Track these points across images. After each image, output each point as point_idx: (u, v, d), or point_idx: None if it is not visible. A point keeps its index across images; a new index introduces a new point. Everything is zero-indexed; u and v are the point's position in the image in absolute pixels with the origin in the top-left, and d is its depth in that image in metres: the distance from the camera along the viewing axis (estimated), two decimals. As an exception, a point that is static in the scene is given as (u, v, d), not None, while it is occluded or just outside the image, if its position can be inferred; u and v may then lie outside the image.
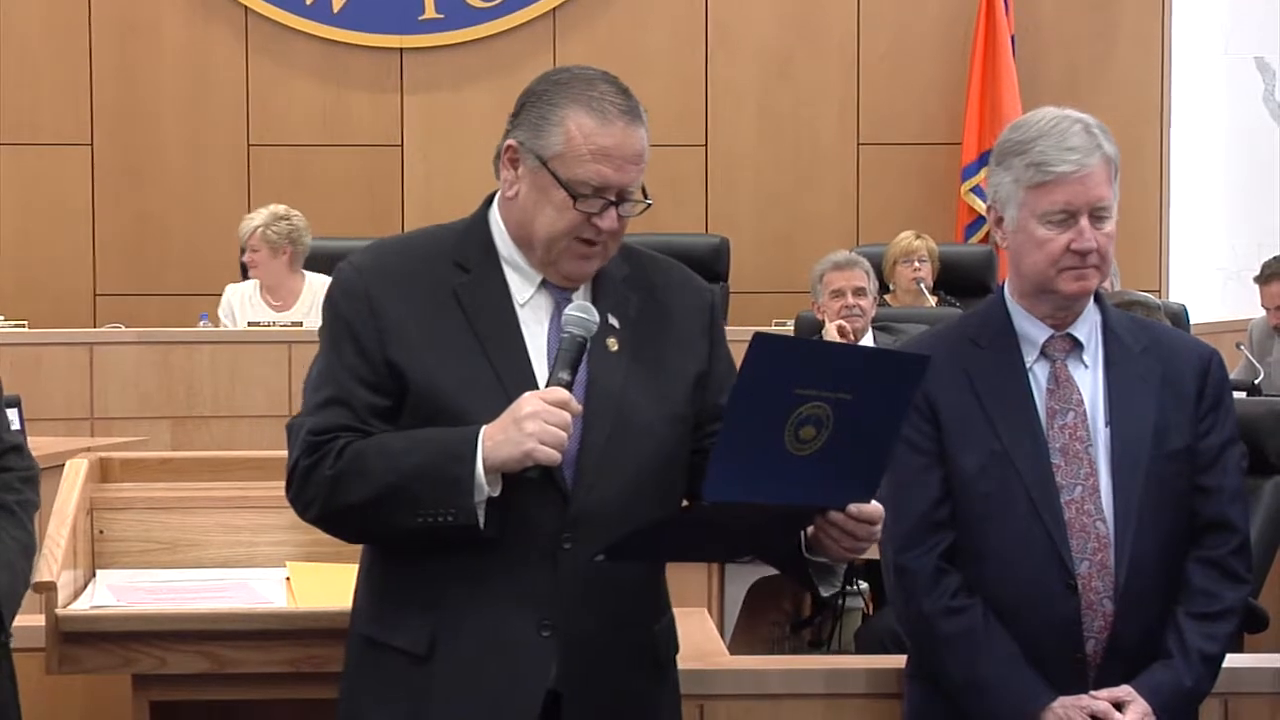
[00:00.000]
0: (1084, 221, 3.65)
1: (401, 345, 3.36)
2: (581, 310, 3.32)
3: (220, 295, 10.64)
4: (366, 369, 3.37)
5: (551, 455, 3.23)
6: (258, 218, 9.98)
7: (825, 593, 3.38)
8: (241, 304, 10.10)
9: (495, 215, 3.50)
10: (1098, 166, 3.66)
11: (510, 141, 3.43)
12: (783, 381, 3.09)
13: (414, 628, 3.39)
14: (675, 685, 3.64)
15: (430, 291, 3.42)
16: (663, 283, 3.59)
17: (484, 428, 3.27)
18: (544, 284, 3.46)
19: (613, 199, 3.36)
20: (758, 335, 3.07)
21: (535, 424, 3.21)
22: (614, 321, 3.45)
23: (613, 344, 3.42)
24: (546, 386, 3.28)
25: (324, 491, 3.34)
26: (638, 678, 3.53)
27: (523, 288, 3.46)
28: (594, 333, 3.32)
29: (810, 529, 3.32)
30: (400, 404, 3.38)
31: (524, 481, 3.26)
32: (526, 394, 3.26)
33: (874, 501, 3.26)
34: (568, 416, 3.24)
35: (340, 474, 3.31)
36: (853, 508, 3.23)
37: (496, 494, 3.27)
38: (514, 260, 3.46)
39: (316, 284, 9.92)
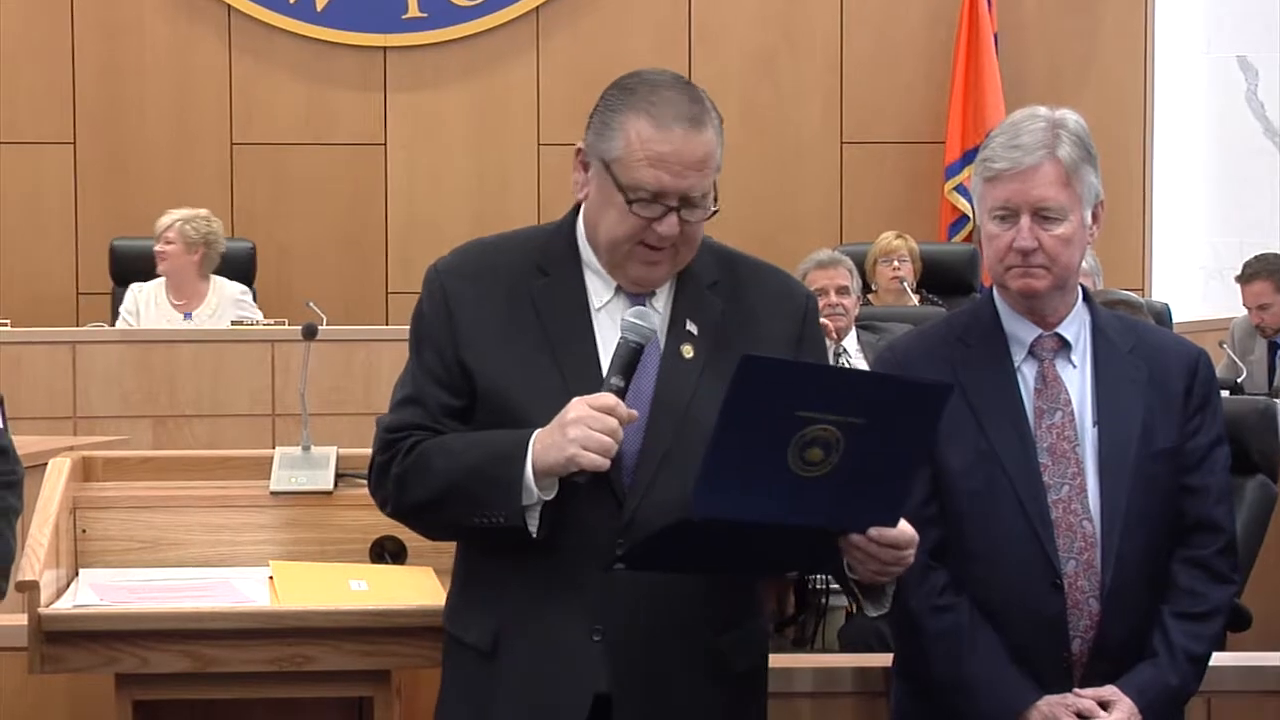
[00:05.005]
0: (1024, 220, 3.64)
1: (474, 346, 3.38)
2: (638, 316, 3.29)
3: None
4: (441, 369, 3.40)
5: (596, 461, 3.20)
6: (179, 213, 10.05)
7: (873, 613, 3.35)
8: (147, 303, 10.14)
9: (581, 219, 3.50)
10: (1043, 166, 3.64)
11: (581, 143, 3.44)
12: (780, 403, 3.05)
13: (482, 625, 3.43)
14: (754, 696, 3.62)
15: (508, 293, 3.42)
16: (755, 289, 3.56)
17: (537, 431, 3.26)
18: (620, 288, 3.45)
19: (674, 205, 3.34)
20: (745, 358, 3.04)
21: (579, 430, 3.19)
22: (692, 328, 3.44)
23: (688, 351, 3.41)
24: (600, 392, 3.27)
25: (393, 488, 3.39)
26: (699, 686, 3.47)
27: (601, 292, 3.45)
28: (650, 339, 3.30)
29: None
30: (473, 404, 3.39)
31: (579, 487, 3.25)
32: (574, 399, 3.25)
33: (904, 524, 3.22)
34: (614, 423, 3.21)
35: (406, 472, 3.35)
36: (874, 531, 3.19)
37: (550, 498, 3.26)
38: (593, 264, 3.46)
39: (223, 289, 9.98)
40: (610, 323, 3.41)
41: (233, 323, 10.07)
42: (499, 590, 3.40)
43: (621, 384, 3.26)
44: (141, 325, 10.06)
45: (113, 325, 10.39)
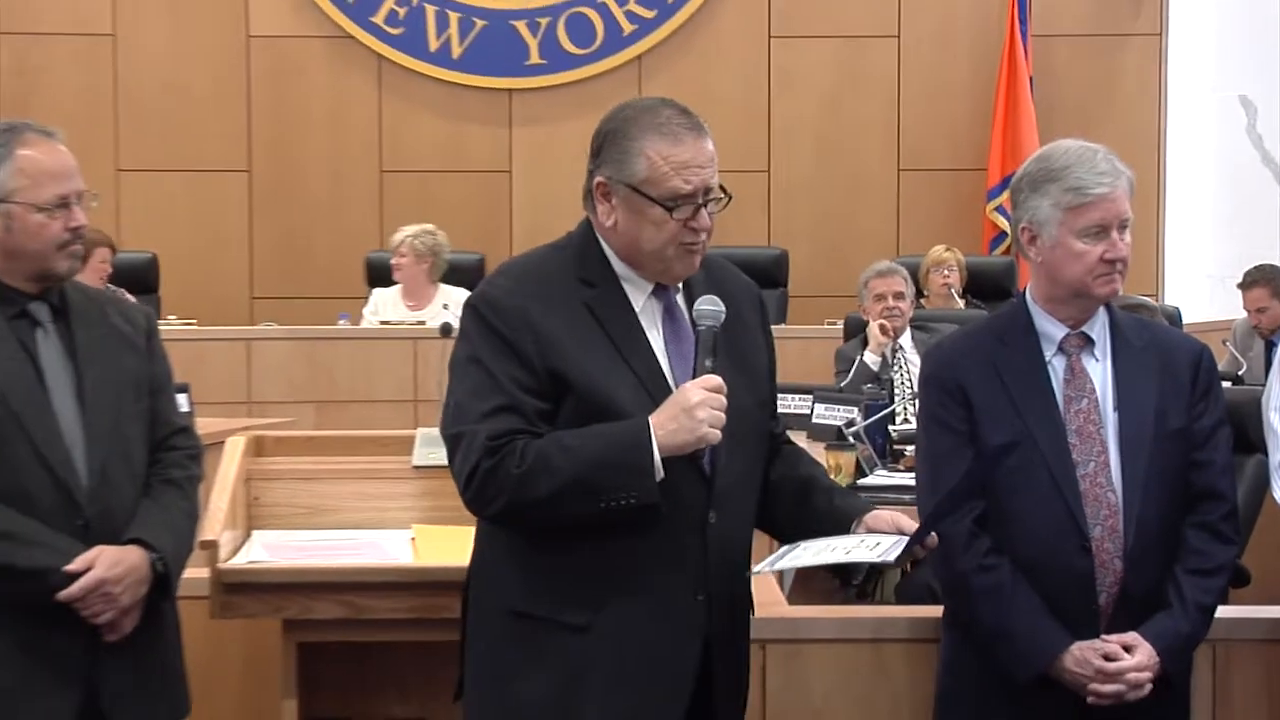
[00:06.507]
0: (1115, 234, 3.63)
1: (559, 354, 3.28)
2: (710, 303, 3.30)
3: (355, 299, 10.74)
4: (530, 378, 3.27)
5: (718, 436, 3.22)
6: (410, 229, 10.03)
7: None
8: (385, 305, 10.17)
9: (600, 237, 3.44)
10: (1121, 186, 3.65)
11: (599, 179, 3.37)
12: None
13: (575, 602, 3.30)
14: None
15: (563, 304, 3.34)
16: (726, 281, 3.53)
17: (650, 418, 3.22)
18: (652, 291, 3.41)
19: (702, 201, 3.31)
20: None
21: (705, 411, 3.18)
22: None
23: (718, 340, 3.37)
24: (695, 376, 3.26)
25: (511, 487, 3.22)
26: (747, 626, 3.56)
27: (636, 296, 3.40)
28: (721, 320, 3.30)
29: None
30: (558, 406, 3.30)
31: (671, 465, 3.22)
32: (687, 385, 3.23)
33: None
34: (724, 400, 3.22)
35: (528, 472, 3.21)
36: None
37: (663, 476, 3.22)
38: (626, 275, 3.40)
39: (449, 294, 9.97)
40: (650, 322, 3.39)
41: (381, 322, 10.13)
42: (597, 567, 3.30)
43: (713, 365, 3.26)
44: (388, 323, 10.11)
45: (356, 324, 10.43)
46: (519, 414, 3.26)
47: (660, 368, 3.34)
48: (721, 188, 3.37)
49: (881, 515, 3.39)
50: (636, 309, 3.39)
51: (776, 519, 3.58)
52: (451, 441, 3.32)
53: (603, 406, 3.27)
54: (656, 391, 3.28)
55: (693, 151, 3.31)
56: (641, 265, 3.38)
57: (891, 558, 3.21)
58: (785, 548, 3.45)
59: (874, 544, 3.28)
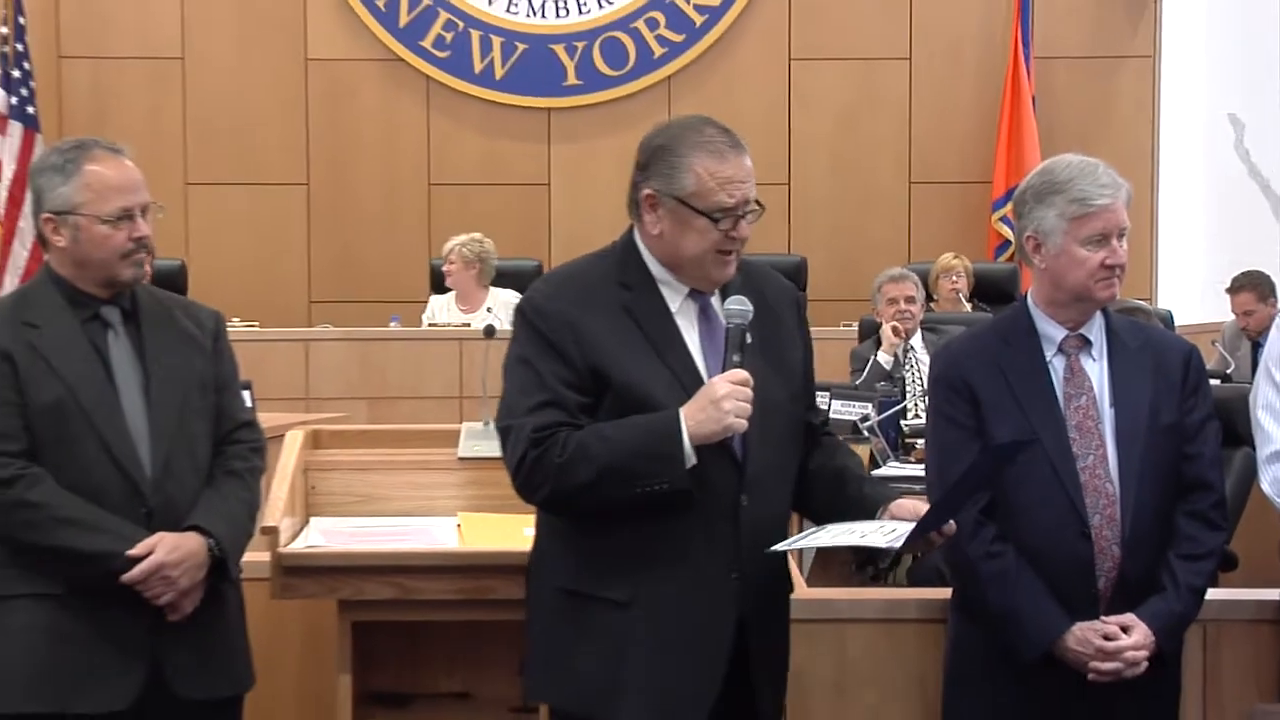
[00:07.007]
0: (1115, 242, 3.64)
1: (601, 353, 3.32)
2: (739, 303, 3.32)
3: (405, 302, 10.79)
4: (573, 375, 3.31)
5: (744, 425, 3.25)
6: (458, 239, 10.03)
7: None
8: (440, 309, 10.19)
9: (640, 244, 3.46)
10: (1122, 199, 3.65)
11: (647, 191, 3.39)
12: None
13: (619, 580, 3.33)
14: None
15: (605, 307, 3.37)
16: (765, 286, 3.55)
17: (681, 410, 3.25)
18: (688, 294, 3.43)
19: (743, 213, 3.35)
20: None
21: (731, 403, 3.22)
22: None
23: (747, 337, 3.38)
24: (724, 370, 3.28)
25: (553, 475, 3.27)
26: (783, 607, 3.58)
27: (673, 298, 3.42)
28: (749, 319, 3.32)
29: None
30: (599, 400, 3.33)
31: (704, 453, 3.25)
32: (715, 379, 3.27)
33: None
34: (750, 393, 3.25)
35: (569, 461, 3.25)
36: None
37: (694, 463, 3.25)
38: (664, 278, 3.42)
39: (498, 296, 10.00)
40: (686, 322, 3.42)
41: (429, 324, 10.14)
42: (637, 548, 3.32)
43: (740, 360, 3.28)
44: (435, 325, 10.13)
45: (407, 326, 10.47)
46: (562, 408, 3.30)
47: (694, 364, 3.38)
48: (757, 201, 3.40)
49: (905, 504, 3.40)
50: (673, 310, 3.41)
51: (813, 504, 3.61)
52: (502, 434, 3.38)
53: (640, 400, 3.30)
54: (690, 386, 3.31)
55: (735, 168, 3.35)
56: (682, 270, 3.41)
57: (899, 544, 3.22)
58: (807, 530, 3.46)
59: (889, 530, 3.29)
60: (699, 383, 3.32)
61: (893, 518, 3.37)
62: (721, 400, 3.22)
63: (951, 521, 3.34)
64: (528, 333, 3.39)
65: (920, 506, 3.37)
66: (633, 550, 3.33)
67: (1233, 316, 10.38)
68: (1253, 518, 5.51)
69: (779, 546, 3.36)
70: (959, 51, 12.52)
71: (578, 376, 3.32)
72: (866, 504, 3.45)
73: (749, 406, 3.25)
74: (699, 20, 12.49)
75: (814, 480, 3.58)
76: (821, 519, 3.55)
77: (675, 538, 3.31)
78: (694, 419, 3.24)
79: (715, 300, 3.45)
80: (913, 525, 3.26)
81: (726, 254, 3.37)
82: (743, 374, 3.26)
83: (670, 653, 3.33)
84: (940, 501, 3.37)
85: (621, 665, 3.33)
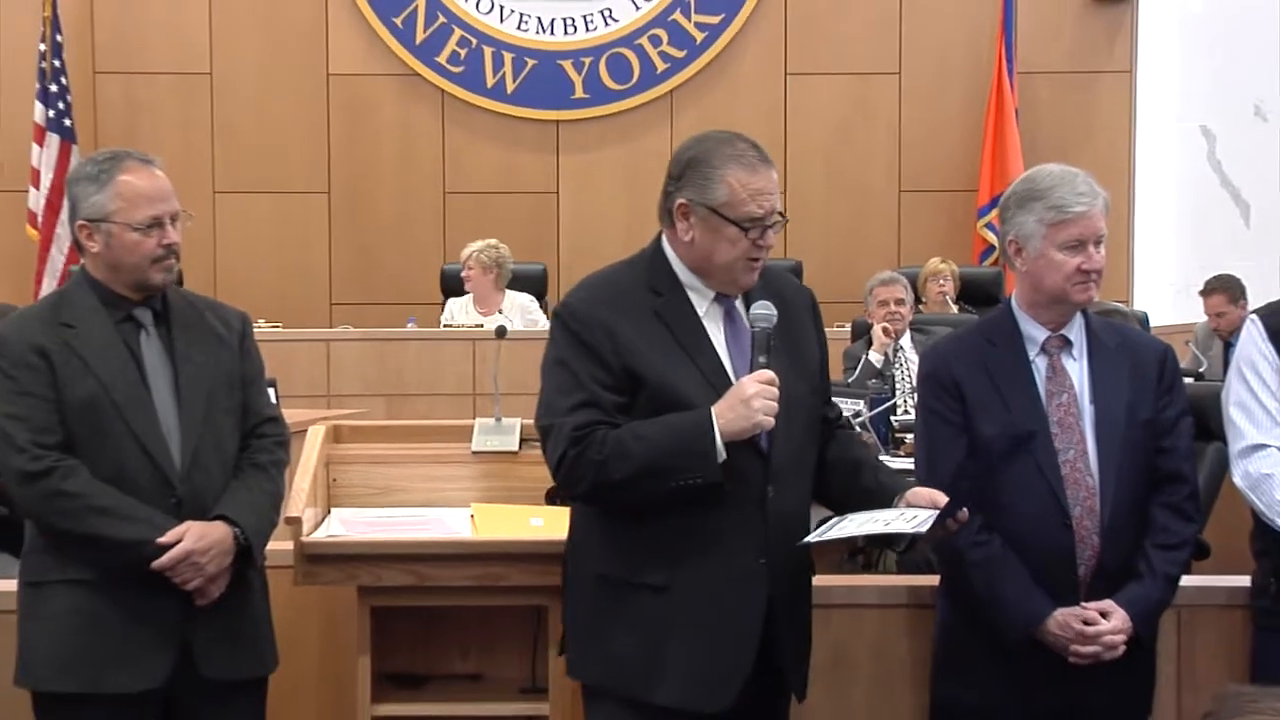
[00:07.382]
0: (1091, 248, 3.63)
1: (635, 355, 3.33)
2: (764, 308, 3.34)
3: (422, 304, 10.78)
4: (609, 377, 3.33)
5: (772, 422, 3.26)
6: (477, 245, 10.03)
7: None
8: (459, 311, 10.18)
9: (669, 251, 3.47)
10: (1100, 207, 3.64)
11: (681, 200, 3.39)
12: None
13: (654, 567, 3.35)
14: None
15: (637, 312, 3.39)
16: (784, 289, 3.57)
17: (713, 408, 3.27)
18: (715, 298, 3.44)
19: (771, 222, 3.36)
20: None
21: (760, 401, 3.24)
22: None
23: (771, 340, 3.38)
24: (751, 371, 3.29)
25: (593, 472, 3.29)
26: (806, 591, 3.60)
27: (700, 302, 3.43)
28: (774, 322, 3.33)
29: None
30: (633, 400, 3.34)
31: (733, 449, 3.26)
32: (744, 379, 3.29)
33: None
34: (777, 391, 3.26)
35: (607, 458, 3.27)
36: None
37: (725, 458, 3.26)
38: (692, 283, 3.43)
39: (514, 299, 10.00)
40: (713, 326, 3.43)
41: (444, 325, 10.12)
42: (673, 538, 3.34)
43: (766, 361, 3.29)
44: (453, 327, 10.10)
45: (436, 325, 10.44)
46: (599, 408, 3.33)
47: (722, 364, 3.39)
48: (780, 211, 3.41)
49: (920, 492, 3.40)
50: (700, 313, 3.43)
51: (831, 493, 3.61)
52: (543, 432, 3.40)
53: (672, 399, 3.32)
54: (719, 385, 3.33)
55: (765, 180, 3.36)
56: (710, 276, 3.42)
57: (925, 529, 3.23)
58: (833, 519, 3.45)
59: (911, 517, 3.30)
60: (726, 382, 3.34)
61: (909, 504, 3.38)
62: (751, 399, 3.24)
63: (964, 509, 3.33)
64: (565, 336, 3.40)
65: (934, 494, 3.36)
66: (667, 539, 3.34)
67: (1205, 318, 10.36)
68: (1224, 509, 5.51)
69: (810, 539, 3.35)
70: (946, 67, 12.51)
71: (613, 378, 3.34)
72: (884, 492, 3.47)
73: (776, 405, 3.26)
74: (700, 37, 12.48)
75: (832, 471, 3.59)
76: (838, 506, 3.56)
77: (707, 528, 3.33)
78: (724, 417, 3.26)
79: (739, 303, 3.47)
80: (934, 513, 3.27)
81: (754, 261, 3.39)
82: (769, 374, 3.28)
83: (704, 635, 3.34)
84: (957, 491, 3.35)
85: (658, 646, 3.35)
